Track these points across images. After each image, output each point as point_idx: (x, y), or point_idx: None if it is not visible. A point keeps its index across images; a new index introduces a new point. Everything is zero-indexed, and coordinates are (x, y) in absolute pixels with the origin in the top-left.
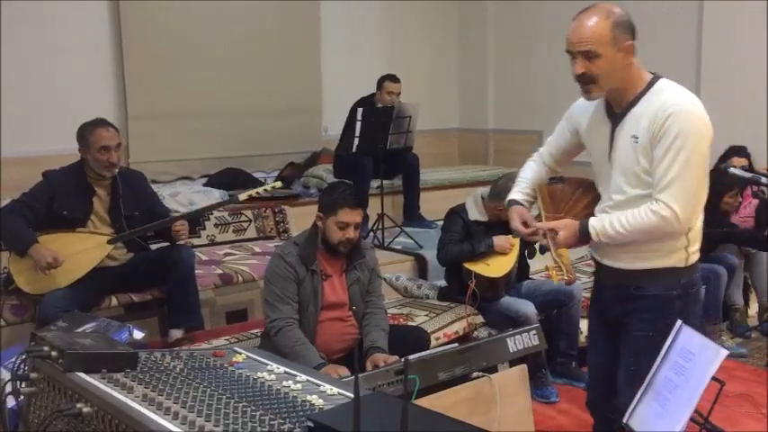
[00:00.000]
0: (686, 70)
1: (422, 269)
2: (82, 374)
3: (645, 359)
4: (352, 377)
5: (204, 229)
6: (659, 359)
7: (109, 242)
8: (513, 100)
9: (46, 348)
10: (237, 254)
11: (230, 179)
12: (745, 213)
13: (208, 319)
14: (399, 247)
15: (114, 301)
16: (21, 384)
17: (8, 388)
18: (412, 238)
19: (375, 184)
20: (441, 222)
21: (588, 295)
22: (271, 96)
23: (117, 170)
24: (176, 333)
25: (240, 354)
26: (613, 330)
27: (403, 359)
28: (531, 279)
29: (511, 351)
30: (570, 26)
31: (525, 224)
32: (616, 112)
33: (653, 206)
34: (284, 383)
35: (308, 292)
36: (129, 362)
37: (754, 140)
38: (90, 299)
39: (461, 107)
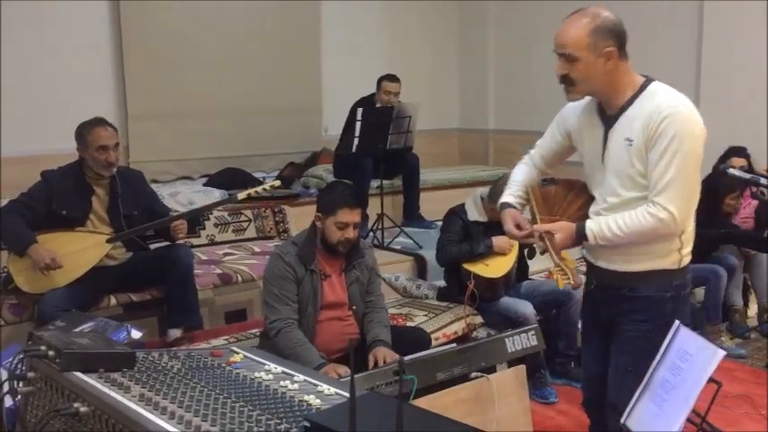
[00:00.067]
0: (686, 70)
1: (421, 269)
2: (79, 374)
3: (636, 359)
4: (357, 375)
5: (204, 228)
6: (656, 360)
7: (108, 241)
8: (513, 100)
9: (43, 348)
10: (237, 254)
11: (230, 179)
12: (745, 214)
13: (207, 319)
14: (399, 248)
15: (113, 300)
16: (18, 384)
17: (5, 387)
18: (411, 239)
19: (375, 184)
20: (440, 223)
21: None
22: (271, 96)
23: (115, 169)
24: (175, 333)
25: (238, 353)
26: (606, 331)
27: (399, 359)
28: (530, 279)
29: (509, 351)
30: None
31: (518, 227)
32: (608, 114)
33: (650, 208)
34: (281, 383)
35: (307, 291)
36: (127, 361)
37: (755, 141)
38: (89, 298)
39: (461, 107)
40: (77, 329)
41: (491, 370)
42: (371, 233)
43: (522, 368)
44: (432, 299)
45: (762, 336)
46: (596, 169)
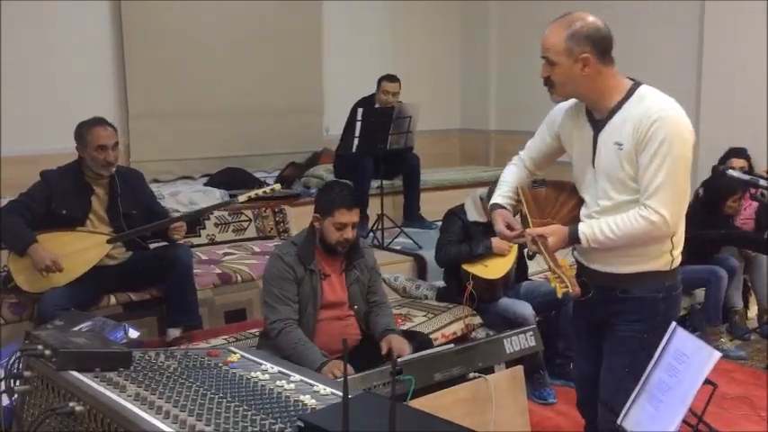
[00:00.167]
0: (687, 71)
1: (421, 270)
2: (75, 373)
3: (630, 359)
4: (354, 375)
5: (204, 228)
6: (653, 361)
7: (108, 242)
8: (515, 101)
9: (40, 347)
10: (237, 253)
11: (231, 179)
12: (745, 215)
13: (206, 319)
14: (399, 248)
15: (113, 299)
16: (15, 383)
17: (2, 386)
18: (411, 239)
19: (375, 184)
20: (440, 223)
21: None
22: (272, 96)
23: (114, 169)
24: (174, 332)
25: (235, 353)
26: (598, 332)
27: (393, 359)
28: (529, 280)
29: (507, 352)
30: None
31: (509, 227)
32: (597, 119)
33: (642, 211)
34: (278, 383)
35: (307, 291)
36: (123, 361)
37: (756, 141)
38: (89, 297)
39: (463, 107)
40: (75, 329)
41: (489, 370)
42: (371, 233)
43: (519, 369)
44: (431, 299)
45: (762, 337)
46: (586, 172)
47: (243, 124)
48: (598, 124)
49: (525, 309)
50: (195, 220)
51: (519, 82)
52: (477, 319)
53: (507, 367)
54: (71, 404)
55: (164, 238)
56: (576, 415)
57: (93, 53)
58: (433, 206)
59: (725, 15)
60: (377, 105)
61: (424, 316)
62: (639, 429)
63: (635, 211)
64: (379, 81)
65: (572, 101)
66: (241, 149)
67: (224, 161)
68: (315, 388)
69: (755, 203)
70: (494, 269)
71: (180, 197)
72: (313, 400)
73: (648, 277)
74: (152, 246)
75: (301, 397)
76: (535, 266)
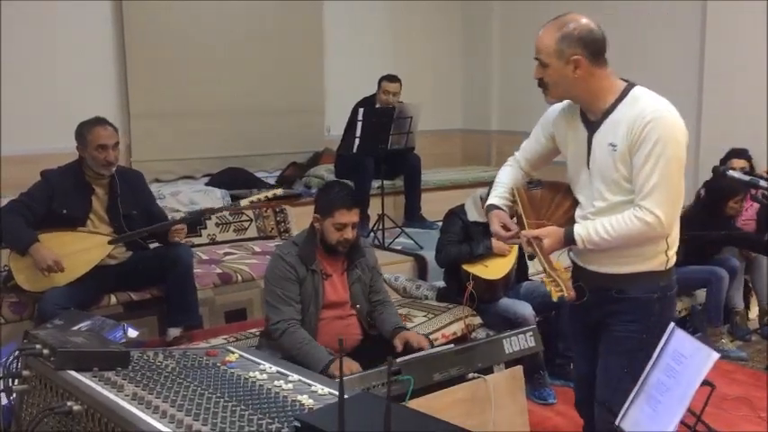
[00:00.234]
0: (689, 71)
1: (422, 270)
2: (73, 372)
3: (625, 359)
4: (353, 375)
5: (205, 228)
6: (651, 362)
7: (110, 243)
8: (516, 101)
9: (38, 346)
10: (237, 253)
11: (232, 179)
12: (747, 216)
13: (207, 319)
14: (399, 248)
15: (113, 299)
16: (13, 382)
17: (1, 385)
18: (412, 239)
19: (376, 184)
20: (441, 223)
21: None
22: (273, 96)
23: (114, 169)
24: (174, 332)
25: (233, 353)
26: (594, 332)
27: (388, 359)
28: (530, 280)
29: (507, 352)
30: None
31: (505, 227)
32: (591, 120)
33: (637, 212)
34: (275, 383)
35: (309, 291)
36: (121, 360)
37: (757, 142)
38: (89, 297)
39: (465, 108)
40: (75, 328)
41: (488, 371)
42: (372, 233)
43: (519, 369)
44: (431, 299)
45: (763, 338)
46: (581, 173)
47: (244, 124)
48: (592, 125)
49: (525, 309)
50: (196, 221)
51: (521, 82)
52: (478, 320)
53: (507, 368)
54: (69, 403)
55: (162, 241)
56: (575, 415)
57: (94, 53)
58: (434, 206)
59: (727, 16)
60: (378, 105)
61: (425, 316)
62: (638, 430)
63: (630, 212)
64: (380, 81)
65: (566, 102)
66: (242, 149)
67: (225, 161)
68: (312, 388)
69: (757, 204)
70: (494, 269)
71: (181, 197)
72: (311, 400)
73: (643, 277)
74: (152, 245)
75: (299, 397)
76: (535, 267)
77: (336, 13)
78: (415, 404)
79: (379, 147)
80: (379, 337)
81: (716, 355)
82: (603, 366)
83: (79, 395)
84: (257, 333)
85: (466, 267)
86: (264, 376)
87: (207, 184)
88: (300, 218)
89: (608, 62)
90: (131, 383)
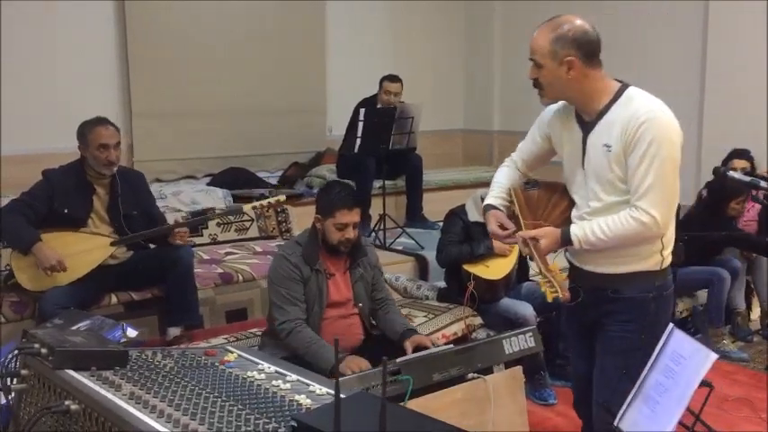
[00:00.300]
0: (691, 71)
1: (423, 270)
2: (71, 372)
3: (622, 359)
4: (362, 372)
5: (206, 228)
6: (649, 363)
7: (112, 244)
8: (518, 101)
9: (36, 345)
10: (238, 253)
11: (234, 179)
12: (748, 217)
13: (208, 318)
14: (401, 248)
15: (114, 299)
16: (12, 381)
17: None
18: (413, 239)
19: (378, 184)
20: (442, 224)
21: None
22: (275, 96)
23: (116, 168)
24: (174, 331)
25: (232, 353)
26: (590, 332)
27: (383, 359)
28: (531, 281)
29: (507, 353)
30: None
31: (502, 227)
32: (586, 121)
33: (633, 213)
34: (273, 383)
35: (313, 291)
36: (119, 360)
37: (759, 142)
38: (90, 297)
39: (466, 108)
40: (74, 327)
41: (488, 371)
42: (373, 233)
43: (518, 369)
44: (432, 300)
45: (764, 339)
46: (577, 174)
47: (246, 124)
48: (587, 126)
49: (526, 309)
50: (198, 223)
51: (522, 82)
52: (478, 320)
53: (507, 368)
54: (66, 403)
55: (163, 243)
56: (576, 416)
57: (96, 53)
58: (435, 206)
59: (729, 16)
60: (379, 106)
61: (425, 316)
62: (636, 430)
63: (626, 213)
64: (381, 81)
65: (562, 102)
66: (244, 149)
67: (227, 161)
68: (310, 388)
69: (759, 205)
70: (495, 270)
71: (182, 197)
72: (308, 400)
73: (639, 277)
74: (153, 245)
75: (296, 397)
76: (536, 268)
77: (338, 13)
78: (414, 404)
79: (380, 147)
80: (382, 336)
81: (714, 356)
82: (600, 366)
83: (77, 394)
84: (258, 333)
85: (467, 267)
86: (262, 376)
87: (208, 184)
88: (302, 218)
89: (602, 63)
90: (129, 383)
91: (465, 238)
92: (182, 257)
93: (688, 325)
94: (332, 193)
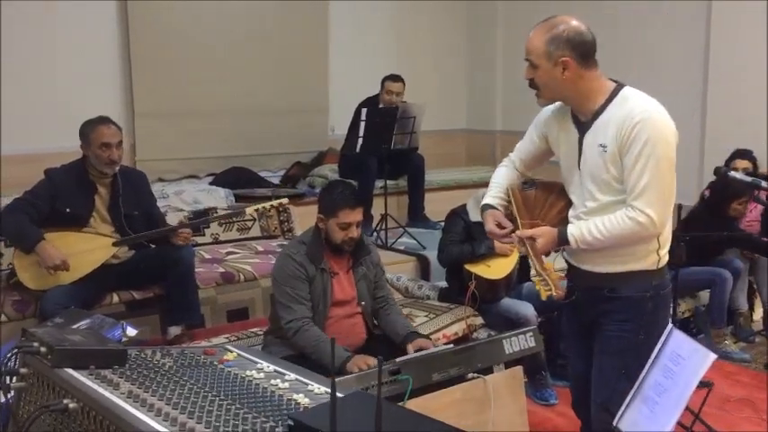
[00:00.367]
0: (694, 71)
1: (424, 270)
2: (70, 370)
3: (619, 358)
4: (361, 372)
5: (208, 227)
6: (649, 363)
7: (114, 245)
8: (521, 101)
9: (36, 344)
10: (240, 252)
11: (236, 178)
12: (751, 218)
13: (209, 318)
14: (402, 248)
15: (115, 298)
16: (11, 380)
17: None
18: (415, 239)
19: (380, 184)
20: (444, 223)
21: None
22: (278, 96)
23: (118, 168)
24: (175, 330)
25: (231, 352)
26: (588, 332)
27: (378, 358)
28: (532, 281)
29: (507, 353)
30: None
31: (499, 226)
32: (582, 121)
33: (629, 212)
34: (272, 382)
35: (318, 290)
36: (118, 358)
37: (762, 143)
38: (91, 296)
39: (469, 108)
40: (75, 326)
41: (488, 371)
42: (375, 233)
43: (518, 369)
44: (433, 299)
45: (766, 340)
46: (573, 174)
47: (248, 124)
48: (583, 126)
49: (527, 309)
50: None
51: (525, 82)
52: (479, 320)
53: (507, 368)
54: (65, 401)
55: (163, 243)
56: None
57: (99, 53)
58: (438, 206)
59: (731, 15)
60: (381, 105)
61: (426, 316)
62: (635, 430)
63: (622, 212)
64: (383, 81)
65: (558, 103)
66: (246, 149)
67: (229, 160)
68: (309, 387)
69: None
70: (496, 269)
71: (184, 196)
72: (306, 399)
73: (636, 277)
74: (154, 245)
75: (295, 396)
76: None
77: (340, 12)
78: (413, 404)
79: (382, 146)
80: (384, 336)
81: (713, 356)
82: (598, 366)
83: (75, 393)
84: (259, 332)
85: (468, 267)
86: (261, 375)
87: (211, 184)
88: (304, 217)
89: (598, 63)
90: (128, 381)
91: (466, 237)
92: (183, 257)
93: (690, 325)
94: (334, 193)
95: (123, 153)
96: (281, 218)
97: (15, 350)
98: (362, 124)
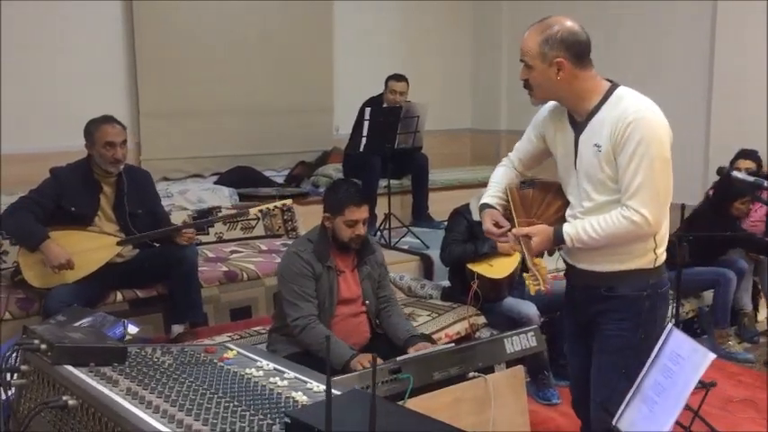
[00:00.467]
0: (699, 72)
1: (428, 269)
2: (70, 368)
3: (617, 357)
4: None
5: (212, 226)
6: (648, 363)
7: (118, 243)
8: (525, 101)
9: (36, 341)
10: (243, 251)
11: (240, 177)
12: (755, 218)
13: (212, 316)
14: (406, 247)
15: (119, 296)
16: (12, 377)
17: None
18: (418, 238)
19: (383, 183)
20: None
21: None
22: (282, 95)
23: (122, 166)
24: (178, 328)
25: (232, 350)
26: (586, 331)
27: (372, 355)
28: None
29: (508, 352)
30: None
31: (497, 225)
32: (577, 121)
33: (624, 212)
34: (271, 380)
35: (324, 288)
36: (118, 356)
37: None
38: (95, 294)
39: (474, 107)
40: (77, 324)
41: (489, 370)
42: (378, 232)
43: (520, 368)
44: (436, 299)
45: None
46: (570, 174)
47: (253, 123)
48: (578, 126)
49: (530, 309)
50: (204, 225)
51: None
52: (482, 319)
53: (508, 367)
54: (64, 398)
55: (167, 242)
56: None
57: (104, 52)
58: (442, 206)
59: (737, 16)
60: (385, 105)
61: (428, 315)
62: (634, 430)
63: (617, 212)
64: (387, 81)
65: (555, 103)
66: (251, 148)
67: (234, 159)
68: (308, 385)
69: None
70: (499, 269)
71: (189, 195)
72: (304, 397)
73: (633, 275)
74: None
75: (293, 394)
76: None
77: (345, 12)
78: (414, 403)
79: (385, 146)
80: (387, 335)
81: (712, 356)
82: (597, 366)
83: (75, 390)
84: (262, 331)
85: (471, 266)
86: (260, 373)
87: (215, 183)
88: (308, 217)
89: (593, 63)
90: (127, 379)
91: (469, 237)
92: (186, 256)
93: (694, 326)
94: (340, 192)
95: (128, 152)
96: (285, 217)
97: (16, 347)
98: (366, 124)
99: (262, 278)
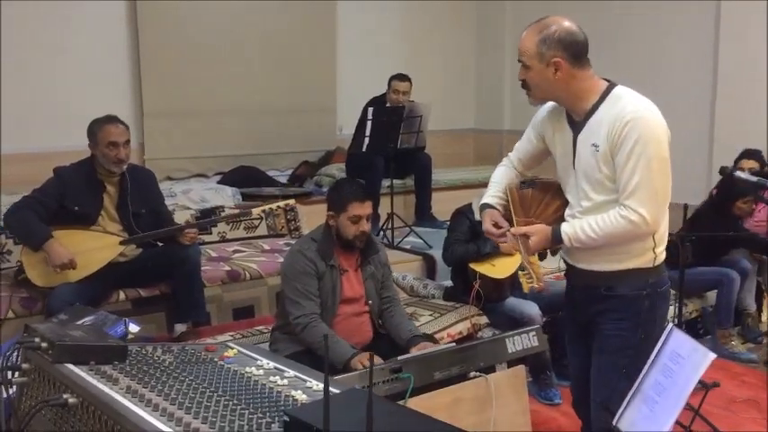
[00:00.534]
0: (703, 72)
1: (430, 269)
2: (71, 366)
3: (617, 357)
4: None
5: (215, 225)
6: (648, 363)
7: (121, 243)
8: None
9: (37, 340)
10: (246, 251)
11: (244, 177)
12: (759, 218)
13: (215, 315)
14: (409, 247)
15: (122, 295)
16: (13, 375)
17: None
18: (421, 238)
19: (386, 183)
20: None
21: None
22: (286, 95)
23: (125, 166)
24: (181, 327)
25: (232, 349)
26: (586, 331)
27: (370, 353)
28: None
29: (509, 352)
30: None
31: (496, 225)
32: (575, 121)
33: (622, 211)
34: (271, 378)
35: (327, 287)
36: (118, 354)
37: None
38: (98, 293)
39: (477, 107)
40: (78, 322)
41: (491, 370)
42: (381, 232)
43: (521, 368)
44: (438, 298)
45: None
46: (568, 174)
47: (256, 123)
48: (576, 126)
49: (532, 309)
50: (207, 224)
51: None
52: (484, 319)
53: (510, 367)
54: (64, 396)
55: (170, 242)
56: None
57: (108, 52)
58: (445, 206)
59: (741, 15)
60: (388, 105)
61: (431, 315)
62: (634, 430)
63: (615, 211)
64: (390, 80)
65: (554, 103)
66: (254, 148)
67: (237, 159)
68: (307, 384)
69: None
70: (501, 268)
71: (192, 194)
72: (304, 396)
73: (632, 275)
74: (161, 244)
75: (293, 392)
76: (543, 267)
77: (349, 12)
78: (415, 402)
79: (388, 146)
80: (390, 336)
81: (712, 356)
82: (597, 365)
83: (75, 388)
84: (265, 330)
85: (473, 266)
86: (261, 372)
87: (219, 183)
88: (311, 216)
89: (590, 63)
90: (127, 377)
91: (471, 236)
92: (189, 255)
93: (697, 326)
94: (343, 189)
95: (131, 152)
96: (288, 217)
97: (17, 345)
98: (369, 123)
99: (264, 278)
